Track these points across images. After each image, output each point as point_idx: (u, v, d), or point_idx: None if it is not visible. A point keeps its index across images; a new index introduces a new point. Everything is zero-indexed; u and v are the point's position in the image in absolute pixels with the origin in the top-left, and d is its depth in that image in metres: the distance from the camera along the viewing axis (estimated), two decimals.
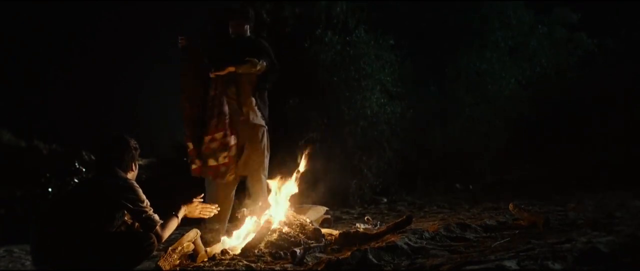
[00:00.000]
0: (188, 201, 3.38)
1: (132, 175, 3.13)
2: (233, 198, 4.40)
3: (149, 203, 2.97)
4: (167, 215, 3.15)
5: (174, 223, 3.14)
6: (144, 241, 2.90)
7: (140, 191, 2.96)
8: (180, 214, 3.24)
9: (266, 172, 4.35)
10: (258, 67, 4.09)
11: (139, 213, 2.91)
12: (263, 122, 4.30)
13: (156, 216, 2.95)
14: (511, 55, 8.88)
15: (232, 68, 4.02)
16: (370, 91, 7.63)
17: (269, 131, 4.37)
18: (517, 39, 8.99)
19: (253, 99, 4.26)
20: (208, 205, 3.55)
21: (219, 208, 3.65)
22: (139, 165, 3.23)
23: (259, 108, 4.29)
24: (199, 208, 3.45)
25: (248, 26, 4.34)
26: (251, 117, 4.23)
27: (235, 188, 4.40)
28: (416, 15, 8.84)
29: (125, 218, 3.07)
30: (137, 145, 3.19)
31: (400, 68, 8.13)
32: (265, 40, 4.53)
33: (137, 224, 3.06)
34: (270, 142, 4.41)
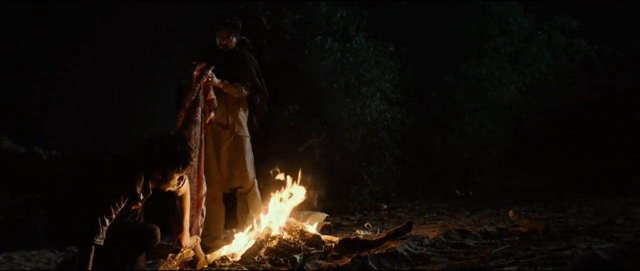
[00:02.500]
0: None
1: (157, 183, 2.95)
2: (224, 209, 4.43)
3: (108, 222, 2.67)
4: None
5: None
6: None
7: (115, 201, 2.68)
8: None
9: (254, 178, 4.40)
10: (243, 93, 4.23)
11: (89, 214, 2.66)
12: (247, 133, 4.37)
13: (95, 239, 2.61)
14: (511, 62, 8.90)
15: (221, 85, 4.05)
16: (370, 98, 7.64)
17: (252, 141, 4.45)
18: (517, 45, 9.01)
19: (239, 111, 4.32)
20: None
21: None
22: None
23: (243, 120, 4.37)
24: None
25: (235, 38, 4.33)
26: (237, 128, 4.30)
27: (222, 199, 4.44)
28: (416, 22, 8.86)
29: (134, 207, 2.96)
30: (183, 159, 2.89)
31: (400, 75, 8.14)
32: (252, 53, 4.55)
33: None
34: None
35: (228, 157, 4.27)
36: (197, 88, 3.85)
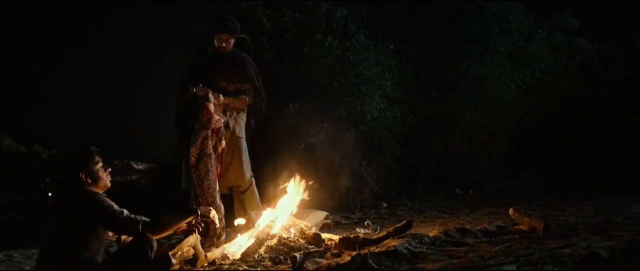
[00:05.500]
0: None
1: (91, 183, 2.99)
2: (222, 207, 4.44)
3: (120, 210, 2.85)
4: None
5: (176, 220, 3.05)
6: (141, 246, 2.78)
7: (109, 207, 2.84)
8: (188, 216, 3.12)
9: (250, 177, 4.42)
10: (247, 102, 4.39)
11: (116, 224, 2.83)
12: (243, 135, 4.43)
13: (135, 218, 2.83)
14: (511, 61, 8.90)
15: (227, 101, 4.19)
16: (370, 96, 7.64)
17: (252, 141, 4.58)
18: (517, 44, 9.01)
19: (238, 114, 4.40)
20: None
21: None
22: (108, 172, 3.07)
23: (242, 122, 4.44)
24: (212, 211, 3.34)
25: (233, 40, 4.33)
26: (237, 131, 4.36)
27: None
28: (416, 21, 8.86)
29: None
30: (82, 155, 3.00)
31: (400, 73, 8.14)
32: (252, 52, 4.57)
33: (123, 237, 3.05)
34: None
35: (224, 157, 4.28)
36: (209, 124, 4.00)
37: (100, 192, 2.99)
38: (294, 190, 3.96)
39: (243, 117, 4.45)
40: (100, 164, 3.03)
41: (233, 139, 4.32)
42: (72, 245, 2.77)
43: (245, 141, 4.43)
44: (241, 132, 4.39)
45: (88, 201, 2.85)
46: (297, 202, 3.93)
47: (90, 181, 2.95)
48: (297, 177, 4.01)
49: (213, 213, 3.27)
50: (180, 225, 3.09)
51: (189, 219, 3.11)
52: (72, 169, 2.95)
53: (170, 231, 3.06)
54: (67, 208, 2.85)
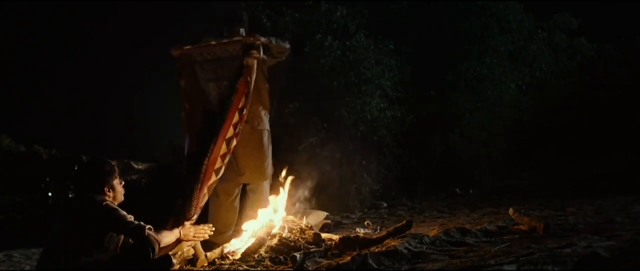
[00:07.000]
0: (182, 224, 3.32)
1: (112, 197, 3.04)
2: (237, 206, 4.35)
3: (131, 217, 2.91)
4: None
5: (170, 235, 3.14)
6: (143, 247, 2.81)
7: (118, 210, 2.90)
8: (176, 233, 3.22)
9: (270, 177, 4.31)
10: (287, 46, 4.26)
11: (123, 227, 2.86)
12: (267, 127, 4.25)
13: (141, 223, 2.88)
14: (511, 60, 8.90)
15: (266, 41, 3.98)
16: (370, 96, 7.64)
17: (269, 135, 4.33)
18: (517, 44, 9.02)
19: (257, 106, 4.20)
20: (202, 226, 3.45)
21: (213, 229, 3.52)
22: (122, 183, 3.11)
23: (264, 115, 4.26)
24: (192, 231, 3.35)
25: (243, 30, 4.25)
26: (256, 122, 4.17)
27: (239, 196, 4.36)
28: (416, 21, 8.86)
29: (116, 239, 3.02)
30: (110, 169, 3.04)
31: (400, 73, 8.14)
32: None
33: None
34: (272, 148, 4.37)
35: (243, 153, 4.10)
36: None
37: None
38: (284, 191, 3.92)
39: (265, 104, 4.27)
40: (118, 179, 3.09)
41: (254, 133, 4.12)
42: (79, 247, 2.78)
43: (268, 134, 4.23)
44: (261, 123, 4.18)
45: (96, 203, 2.89)
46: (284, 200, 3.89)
47: (112, 195, 3.02)
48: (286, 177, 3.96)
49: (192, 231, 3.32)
50: (173, 239, 3.17)
51: (177, 235, 3.22)
52: (98, 182, 2.98)
53: (168, 243, 3.13)
54: (79, 211, 2.88)
